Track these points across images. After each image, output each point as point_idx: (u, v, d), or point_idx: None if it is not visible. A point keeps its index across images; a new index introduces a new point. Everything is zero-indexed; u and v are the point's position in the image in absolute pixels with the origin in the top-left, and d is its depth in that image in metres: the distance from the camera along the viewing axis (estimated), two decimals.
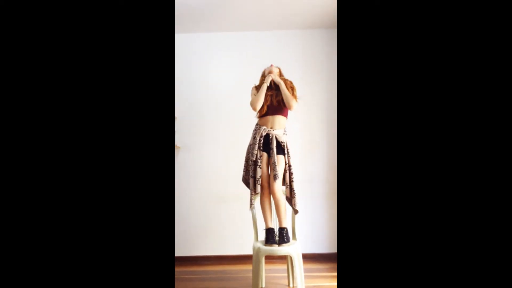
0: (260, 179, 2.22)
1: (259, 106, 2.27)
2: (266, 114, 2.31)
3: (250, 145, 2.34)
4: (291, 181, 2.27)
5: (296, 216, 2.42)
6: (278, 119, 2.31)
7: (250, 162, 2.28)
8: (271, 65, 2.45)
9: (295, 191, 2.27)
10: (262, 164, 2.24)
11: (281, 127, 2.33)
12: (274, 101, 2.30)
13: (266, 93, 2.30)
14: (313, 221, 3.26)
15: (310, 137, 3.30)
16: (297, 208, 2.29)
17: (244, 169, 2.39)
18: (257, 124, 2.36)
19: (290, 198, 2.29)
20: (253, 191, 2.24)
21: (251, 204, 2.28)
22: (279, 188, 2.25)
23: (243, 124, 3.06)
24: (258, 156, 2.24)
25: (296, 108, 2.30)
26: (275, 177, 2.22)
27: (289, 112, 2.42)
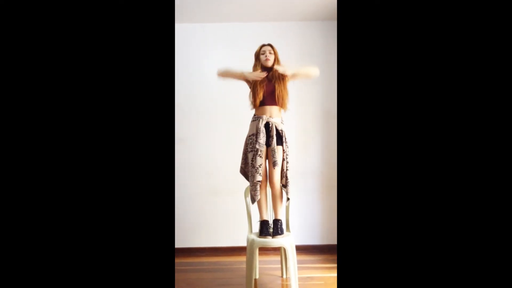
0: (259, 168, 2.23)
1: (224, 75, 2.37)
2: (263, 104, 2.31)
3: (249, 136, 2.34)
4: (286, 169, 2.28)
5: (290, 208, 2.43)
6: (275, 109, 2.32)
7: (250, 151, 2.29)
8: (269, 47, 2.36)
9: (289, 180, 2.29)
10: (262, 154, 2.26)
11: (279, 116, 2.34)
12: (269, 92, 2.30)
13: (261, 83, 2.29)
14: (306, 213, 3.29)
15: (305, 130, 3.32)
16: (289, 196, 2.31)
17: (242, 160, 2.39)
18: (254, 115, 2.36)
19: (285, 186, 2.31)
20: (253, 180, 2.24)
21: (255, 197, 2.26)
22: (278, 178, 2.28)
23: (239, 117, 3.06)
24: (261, 143, 2.24)
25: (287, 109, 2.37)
26: (274, 164, 2.23)
27: None
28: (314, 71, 2.34)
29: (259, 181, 2.23)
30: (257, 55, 2.37)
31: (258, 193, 2.25)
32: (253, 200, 2.29)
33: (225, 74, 2.38)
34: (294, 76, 2.36)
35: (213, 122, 3.32)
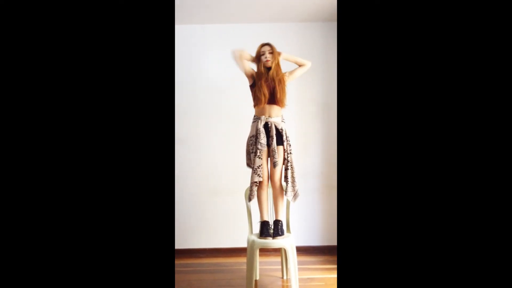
0: (258, 169, 2.24)
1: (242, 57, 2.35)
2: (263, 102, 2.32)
3: (250, 136, 2.36)
4: (286, 168, 2.29)
5: (290, 209, 2.43)
6: (275, 108, 2.33)
7: (251, 152, 2.31)
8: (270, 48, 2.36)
9: (290, 179, 2.29)
10: (262, 155, 2.26)
11: (278, 115, 2.35)
12: (270, 91, 2.30)
13: (262, 83, 2.29)
14: (307, 215, 3.29)
15: (305, 130, 3.32)
16: (288, 196, 2.30)
17: (247, 156, 2.43)
18: (254, 116, 2.37)
19: (287, 182, 2.31)
20: (252, 180, 2.26)
21: (251, 196, 2.28)
22: (279, 177, 2.29)
23: (239, 117, 3.07)
24: (262, 143, 2.25)
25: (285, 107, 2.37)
26: (274, 164, 2.26)
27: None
28: (306, 61, 2.41)
29: (256, 182, 2.25)
30: (258, 56, 2.37)
31: (254, 193, 2.28)
32: (249, 199, 2.33)
33: (239, 59, 2.36)
34: (291, 73, 2.40)
35: (213, 122, 3.32)
